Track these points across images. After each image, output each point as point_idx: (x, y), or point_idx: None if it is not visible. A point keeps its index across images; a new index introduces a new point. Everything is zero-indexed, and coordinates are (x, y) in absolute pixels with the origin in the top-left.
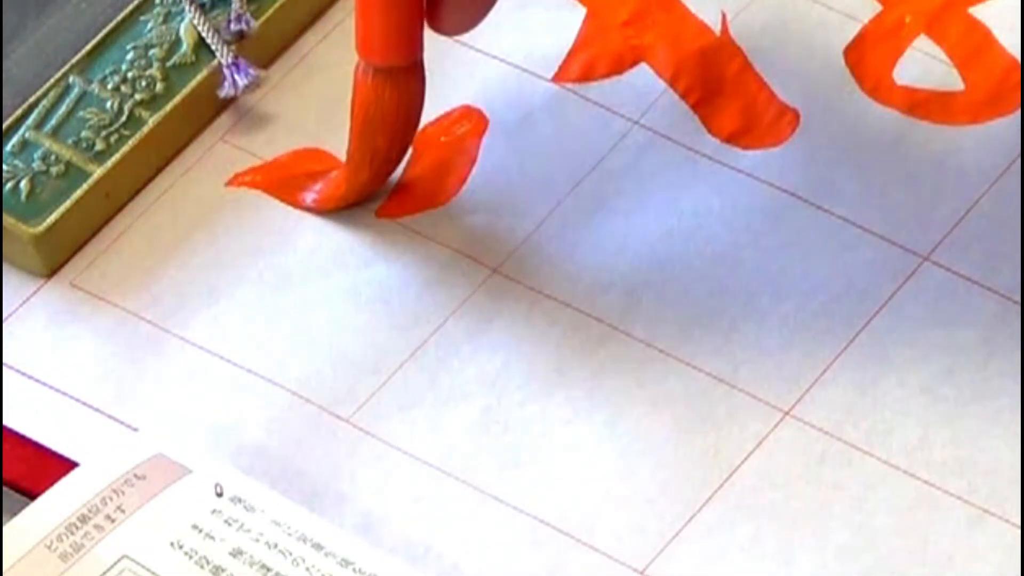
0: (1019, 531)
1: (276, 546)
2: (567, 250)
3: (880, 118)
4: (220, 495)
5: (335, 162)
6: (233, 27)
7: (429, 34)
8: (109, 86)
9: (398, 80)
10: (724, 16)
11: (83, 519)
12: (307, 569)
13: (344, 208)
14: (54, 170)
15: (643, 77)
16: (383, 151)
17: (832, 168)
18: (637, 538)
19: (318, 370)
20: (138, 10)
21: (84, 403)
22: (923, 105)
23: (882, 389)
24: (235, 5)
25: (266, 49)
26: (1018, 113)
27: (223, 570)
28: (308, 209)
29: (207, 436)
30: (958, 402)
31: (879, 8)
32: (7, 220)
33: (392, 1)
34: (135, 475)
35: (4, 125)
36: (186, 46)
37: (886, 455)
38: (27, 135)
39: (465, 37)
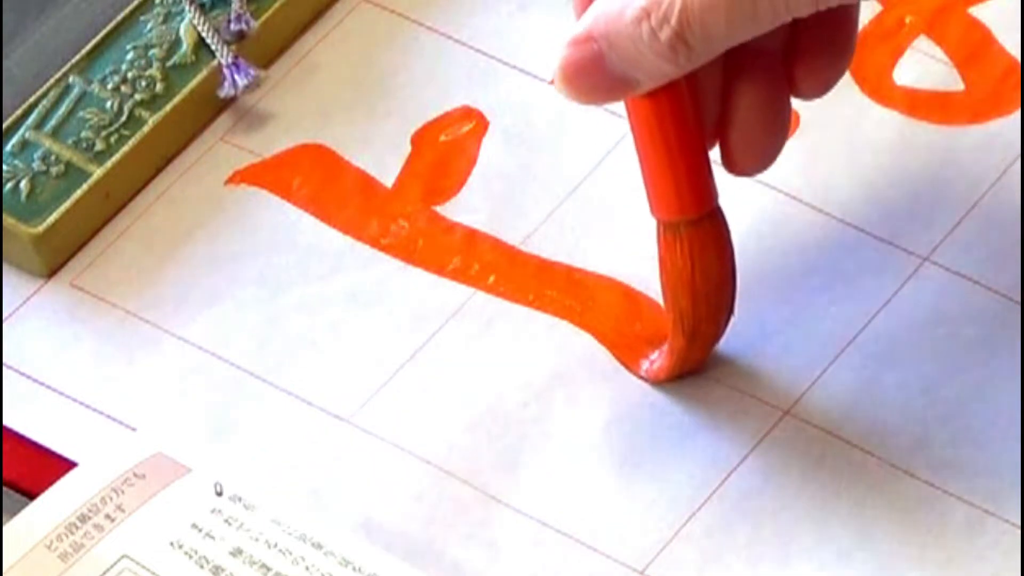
0: (1019, 531)
1: (276, 545)
2: (567, 250)
3: (880, 118)
4: (220, 494)
5: (336, 159)
6: (233, 27)
7: (426, 36)
8: (109, 86)
9: (688, 234)
10: None
11: (83, 519)
12: (307, 568)
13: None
14: (54, 170)
15: None
16: (690, 312)
17: (832, 168)
18: (637, 538)
19: (318, 370)
20: (138, 10)
21: (84, 403)
22: (923, 105)
23: (882, 389)
24: (235, 5)
25: (266, 49)
26: (1018, 113)
27: (223, 569)
28: (641, 378)
29: (207, 436)
30: (958, 402)
31: (879, 8)
32: (7, 220)
33: (673, 154)
34: (135, 474)
35: (4, 125)
36: (186, 46)
37: (886, 455)
38: (27, 135)
39: (465, 37)
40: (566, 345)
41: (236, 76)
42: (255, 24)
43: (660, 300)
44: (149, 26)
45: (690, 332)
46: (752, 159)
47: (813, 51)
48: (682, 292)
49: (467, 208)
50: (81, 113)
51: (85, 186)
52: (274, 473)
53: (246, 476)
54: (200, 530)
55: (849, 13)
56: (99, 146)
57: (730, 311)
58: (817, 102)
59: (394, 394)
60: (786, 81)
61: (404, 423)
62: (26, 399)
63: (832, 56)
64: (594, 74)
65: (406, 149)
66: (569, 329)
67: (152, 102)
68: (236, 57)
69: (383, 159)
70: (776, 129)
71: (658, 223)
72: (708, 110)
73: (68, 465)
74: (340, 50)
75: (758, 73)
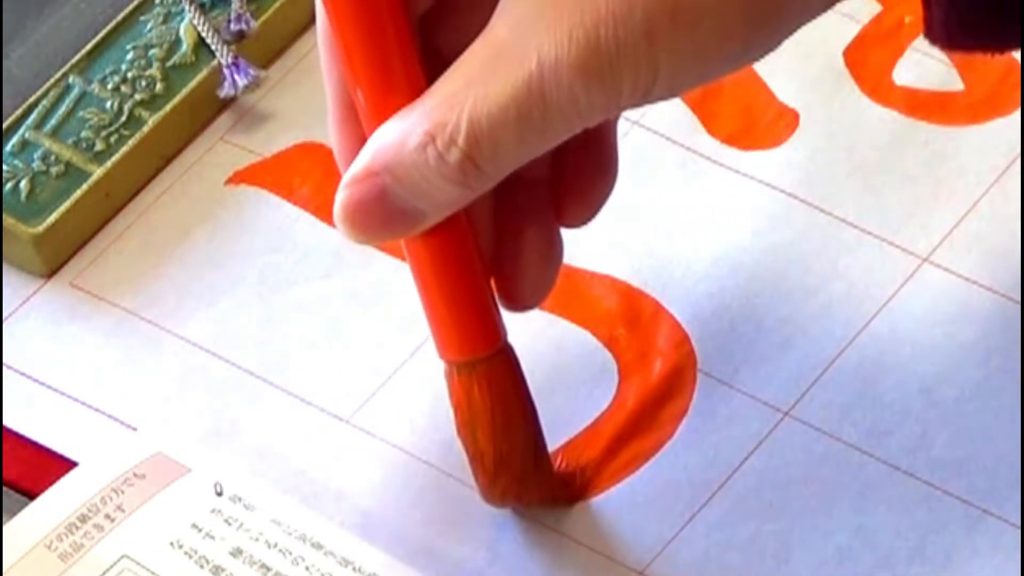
0: (1019, 531)
1: (276, 545)
2: (567, 250)
3: (880, 118)
4: (220, 494)
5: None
6: (233, 27)
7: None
8: (109, 86)
9: (484, 371)
10: None
11: (83, 519)
12: (307, 568)
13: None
14: (54, 170)
15: None
16: (490, 451)
17: (832, 168)
18: (637, 538)
19: (318, 370)
20: (138, 10)
21: (84, 403)
22: (923, 105)
23: (882, 389)
24: (235, 5)
25: (266, 49)
26: (1018, 113)
27: (223, 569)
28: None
29: (207, 436)
30: (958, 402)
31: (879, 8)
32: (7, 220)
33: (462, 292)
34: (135, 474)
35: (4, 125)
36: (186, 46)
37: (886, 455)
38: (27, 135)
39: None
40: (565, 344)
41: (236, 76)
42: (255, 24)
43: (660, 300)
44: (149, 26)
45: (491, 470)
46: (528, 292)
47: (579, 174)
48: (480, 431)
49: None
50: (81, 113)
51: (85, 186)
52: (274, 473)
53: (246, 476)
54: (200, 530)
55: (609, 128)
56: (99, 146)
57: (541, 444)
58: (817, 102)
59: (394, 394)
60: (553, 211)
61: (404, 423)
62: (26, 399)
63: (597, 177)
64: (378, 211)
65: None
66: (568, 328)
67: (152, 102)
68: (236, 57)
69: None
70: (550, 260)
71: (449, 365)
72: (483, 246)
73: (68, 465)
74: None
75: (528, 205)
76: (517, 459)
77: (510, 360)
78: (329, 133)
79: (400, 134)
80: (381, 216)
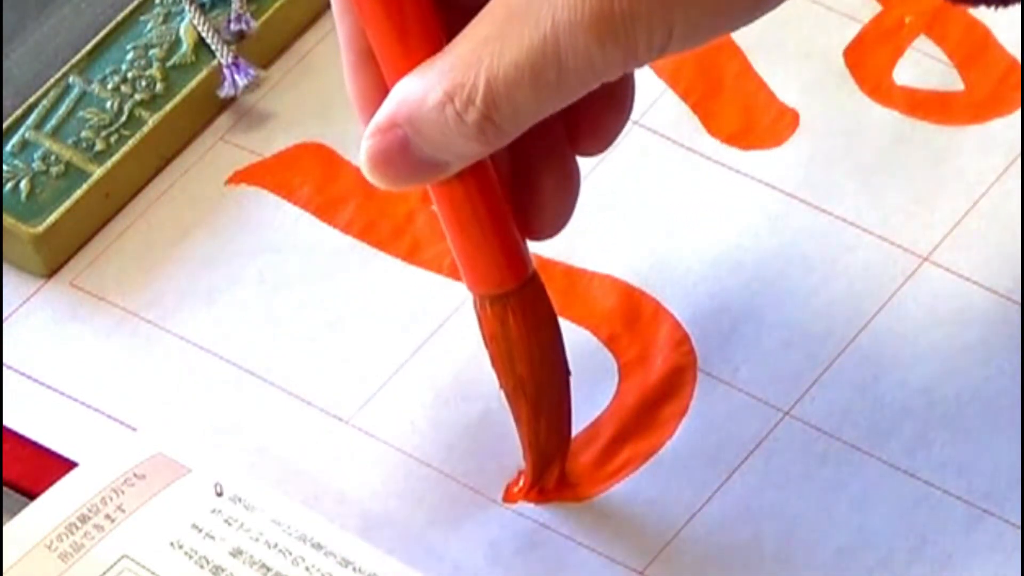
0: (1019, 531)
1: (276, 546)
2: (566, 249)
3: (880, 118)
4: (220, 494)
5: (336, 159)
6: (233, 27)
7: None
8: (109, 86)
9: (517, 301)
10: None
11: (83, 519)
12: (307, 569)
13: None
14: (54, 170)
15: (643, 77)
16: (530, 378)
17: (832, 168)
18: (637, 538)
19: (318, 370)
20: (138, 10)
21: (84, 403)
22: (923, 105)
23: (882, 389)
24: (235, 5)
25: (266, 49)
26: (1018, 113)
27: (223, 570)
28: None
29: (207, 436)
30: (958, 402)
31: (879, 8)
32: (7, 220)
33: (494, 227)
34: (135, 475)
35: (4, 125)
36: (186, 46)
37: (886, 455)
38: (27, 135)
39: None
40: (565, 344)
41: (236, 76)
42: (255, 24)
43: (660, 300)
44: (149, 26)
45: (533, 399)
46: (548, 221)
47: (594, 107)
48: (519, 360)
49: None
50: (81, 113)
51: (85, 186)
52: (274, 473)
53: (246, 476)
54: (200, 530)
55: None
56: (99, 146)
57: (567, 371)
58: (817, 102)
59: (394, 394)
60: (568, 140)
61: (404, 423)
62: (26, 399)
63: (612, 111)
64: (402, 160)
65: None
66: (568, 328)
67: (152, 102)
68: (236, 57)
69: None
70: (568, 188)
71: (481, 300)
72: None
73: (68, 465)
74: (339, 50)
75: (543, 135)
76: (556, 385)
77: (541, 288)
78: (345, 79)
79: (420, 91)
80: (405, 165)
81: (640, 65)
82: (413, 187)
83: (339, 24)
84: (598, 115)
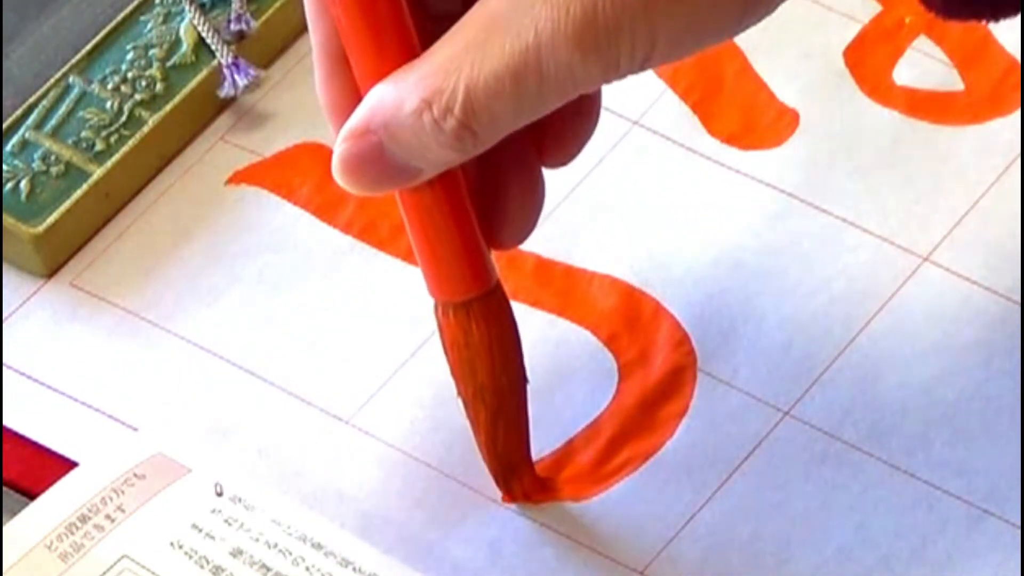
0: (1019, 531)
1: (276, 546)
2: (566, 249)
3: (880, 118)
4: (220, 495)
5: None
6: (233, 27)
7: None
8: (109, 86)
9: (480, 309)
10: None
11: (83, 519)
12: (307, 569)
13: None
14: (54, 170)
15: (643, 77)
16: (490, 385)
17: (832, 168)
18: (637, 538)
19: (318, 370)
20: (138, 10)
21: (84, 403)
22: (923, 105)
23: (882, 389)
24: (235, 5)
25: (266, 49)
26: (1018, 113)
27: (223, 570)
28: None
29: (207, 436)
30: (958, 402)
31: (879, 8)
32: (7, 220)
33: (460, 233)
34: (135, 475)
35: (4, 125)
36: (186, 46)
37: (886, 455)
38: (27, 135)
39: None
40: (565, 344)
41: (236, 76)
42: (255, 24)
43: (660, 300)
44: (149, 26)
45: (493, 406)
46: (512, 230)
47: (561, 118)
48: (480, 367)
49: None
50: (81, 113)
51: (85, 186)
52: (274, 473)
53: (246, 476)
54: (200, 530)
55: None
56: (99, 146)
57: (526, 379)
58: (817, 102)
59: (394, 394)
60: (535, 151)
61: (404, 424)
62: (26, 399)
63: (579, 122)
64: (375, 166)
65: None
66: (568, 328)
67: (152, 102)
68: (236, 57)
69: None
70: (533, 199)
71: (444, 307)
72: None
73: (68, 465)
74: None
75: (510, 145)
76: (516, 393)
77: (504, 297)
78: (316, 84)
79: (396, 97)
80: (378, 171)
81: (621, 77)
82: (383, 192)
83: (312, 30)
84: (565, 126)
